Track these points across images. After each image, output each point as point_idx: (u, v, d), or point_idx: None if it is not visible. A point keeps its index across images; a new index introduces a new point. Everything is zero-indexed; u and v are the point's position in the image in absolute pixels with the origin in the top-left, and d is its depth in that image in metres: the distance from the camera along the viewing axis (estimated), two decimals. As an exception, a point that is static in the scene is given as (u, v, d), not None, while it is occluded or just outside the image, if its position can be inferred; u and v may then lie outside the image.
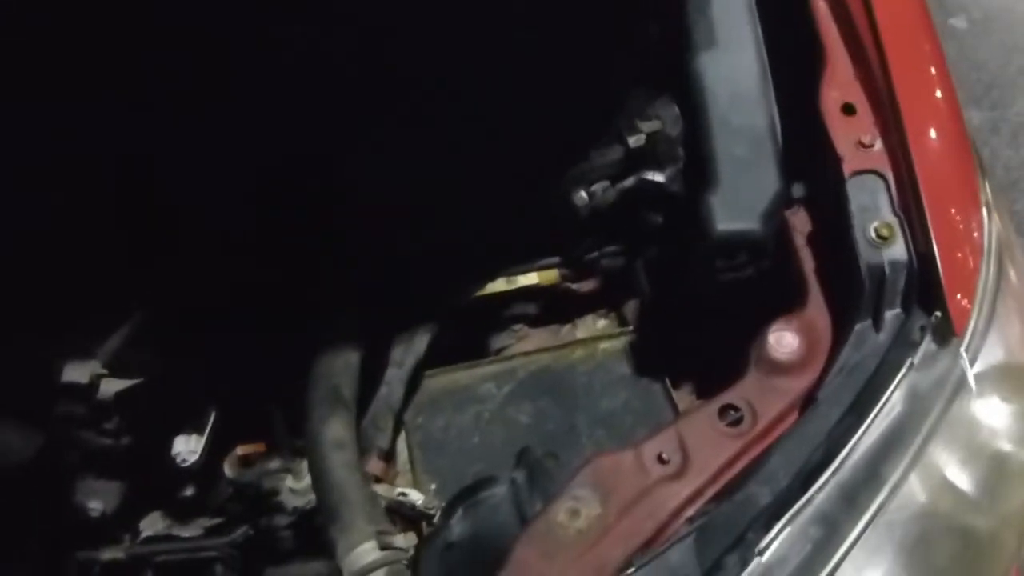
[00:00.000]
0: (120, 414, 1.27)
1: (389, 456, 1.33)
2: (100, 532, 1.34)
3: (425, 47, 1.06)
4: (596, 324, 1.47)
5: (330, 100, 1.13)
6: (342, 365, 1.25)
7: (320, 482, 1.13)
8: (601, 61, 1.16)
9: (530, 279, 1.36)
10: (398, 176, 1.20)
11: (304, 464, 1.41)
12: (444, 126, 1.15)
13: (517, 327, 1.47)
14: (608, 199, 1.20)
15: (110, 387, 1.20)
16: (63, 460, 1.31)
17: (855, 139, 0.97)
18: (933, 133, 0.98)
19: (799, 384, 0.93)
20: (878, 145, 0.96)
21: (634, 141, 1.17)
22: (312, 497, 1.38)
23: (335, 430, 1.16)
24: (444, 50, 1.06)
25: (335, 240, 1.29)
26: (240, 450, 1.38)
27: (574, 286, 1.43)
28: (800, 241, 1.03)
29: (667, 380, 1.38)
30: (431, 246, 1.26)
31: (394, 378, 1.31)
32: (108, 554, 1.36)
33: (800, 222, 1.05)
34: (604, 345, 1.47)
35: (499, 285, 1.37)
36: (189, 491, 1.39)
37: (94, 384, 1.18)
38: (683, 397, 1.36)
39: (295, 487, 1.42)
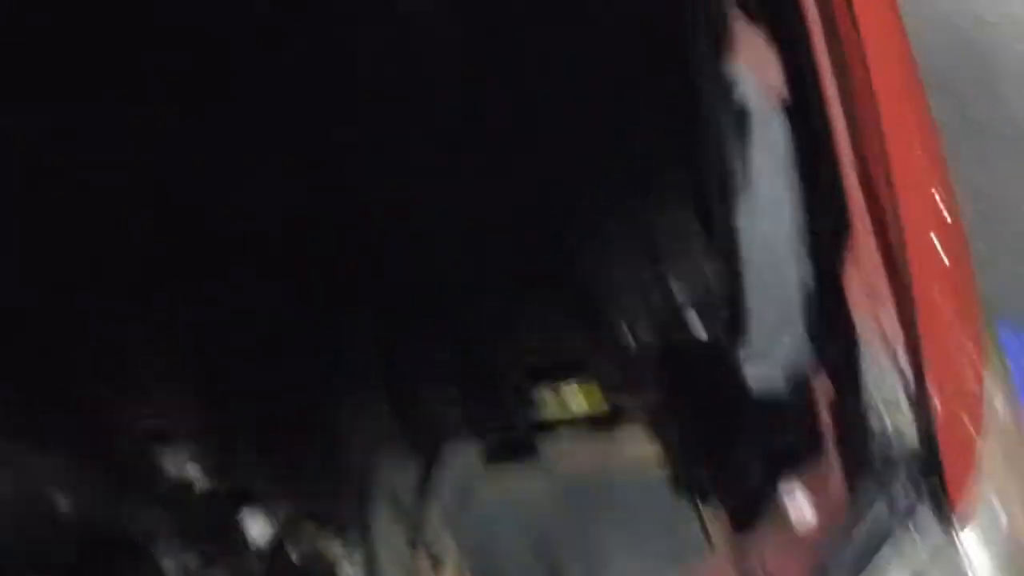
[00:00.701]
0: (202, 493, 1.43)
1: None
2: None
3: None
4: (640, 444, 1.55)
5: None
6: (393, 462, 1.38)
7: None
8: (652, 209, 1.27)
9: (578, 401, 1.46)
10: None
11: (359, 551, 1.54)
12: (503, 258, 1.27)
13: (557, 428, 1.56)
14: (647, 340, 1.29)
15: (193, 471, 1.36)
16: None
17: (876, 324, 1.04)
18: (938, 296, 1.04)
19: (812, 550, 1.00)
20: (896, 333, 1.03)
21: (675, 284, 1.27)
22: None
23: (386, 529, 1.28)
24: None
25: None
26: (308, 536, 1.52)
27: (618, 402, 1.52)
28: (821, 406, 1.11)
29: (700, 507, 1.45)
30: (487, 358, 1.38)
31: (444, 479, 1.42)
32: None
33: (822, 389, 1.12)
34: (648, 466, 1.54)
35: (551, 406, 1.48)
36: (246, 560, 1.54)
37: (180, 467, 1.34)
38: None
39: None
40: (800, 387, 1.13)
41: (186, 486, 1.38)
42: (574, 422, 1.53)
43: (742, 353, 1.16)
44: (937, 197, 1.17)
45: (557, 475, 1.53)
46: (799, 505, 1.01)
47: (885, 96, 1.10)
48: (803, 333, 1.16)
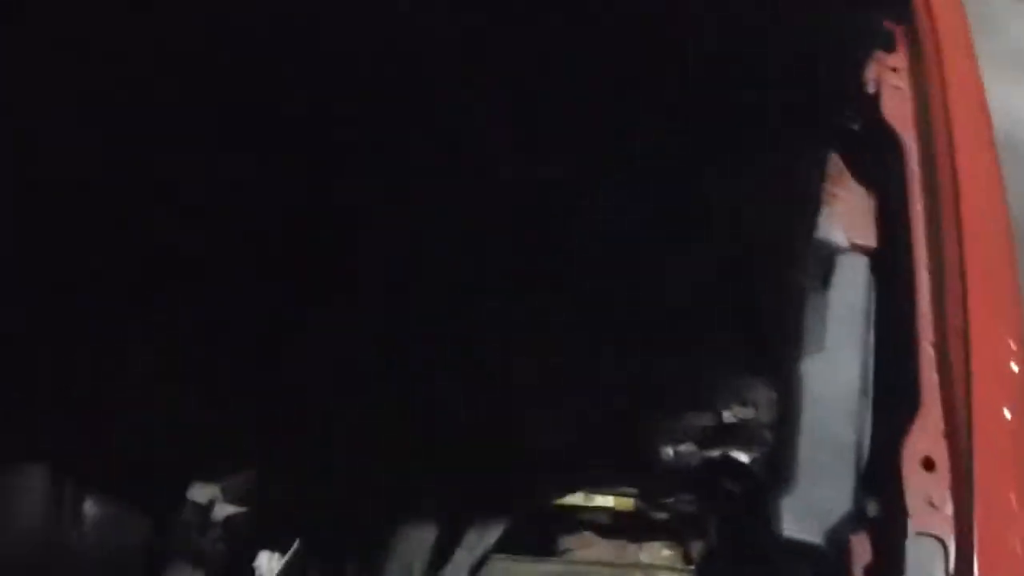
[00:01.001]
0: (223, 530, 1.45)
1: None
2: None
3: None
4: (661, 552, 1.53)
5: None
6: (418, 543, 1.38)
7: None
8: (713, 338, 1.27)
9: (607, 501, 1.45)
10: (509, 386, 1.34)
11: None
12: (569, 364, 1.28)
13: (585, 533, 1.55)
14: (692, 462, 1.28)
15: (222, 511, 1.37)
16: (160, 548, 1.49)
17: (927, 496, 1.02)
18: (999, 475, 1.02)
19: None
20: (947, 509, 1.01)
21: (728, 417, 1.26)
22: None
23: None
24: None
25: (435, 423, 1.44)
26: None
27: (647, 512, 1.51)
28: (856, 566, 1.08)
29: None
30: (526, 452, 1.38)
31: (463, 563, 1.42)
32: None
33: (861, 548, 1.10)
34: (664, 575, 1.52)
35: (577, 499, 1.47)
36: None
37: (211, 504, 1.36)
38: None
39: None
40: (836, 542, 1.11)
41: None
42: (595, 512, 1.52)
43: (780, 493, 1.14)
44: (1015, 368, 1.15)
45: (577, 573, 1.52)
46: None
47: (975, 270, 1.09)
48: (850, 489, 1.14)
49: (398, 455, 1.36)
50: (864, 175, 1.38)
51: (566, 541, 1.59)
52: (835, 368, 1.21)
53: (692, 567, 1.51)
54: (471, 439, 1.36)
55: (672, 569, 1.51)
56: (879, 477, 1.13)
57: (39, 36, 0.95)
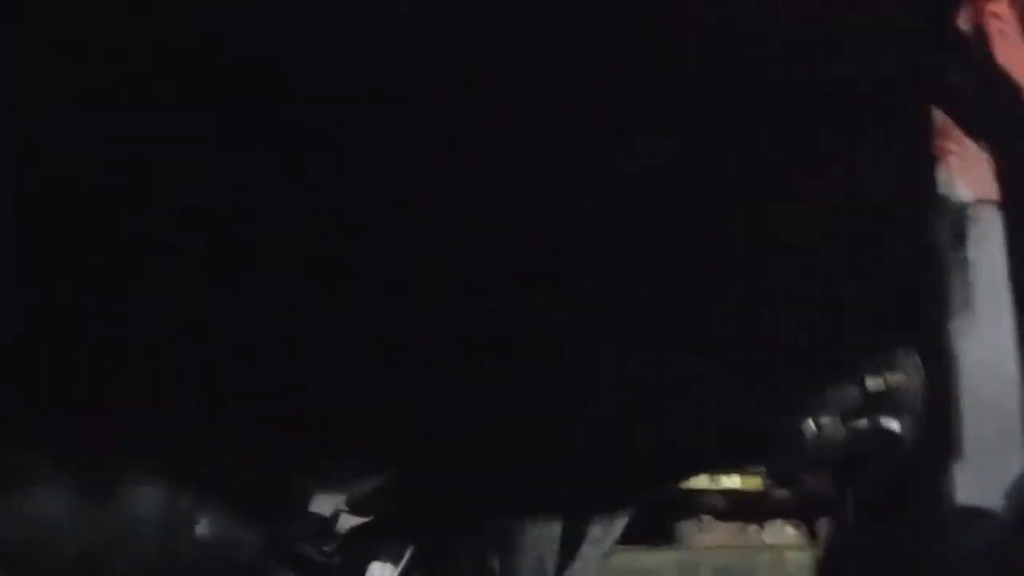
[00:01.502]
0: (343, 542, 1.38)
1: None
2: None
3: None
4: (784, 531, 1.49)
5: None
6: (548, 536, 1.32)
7: None
8: (855, 303, 1.21)
9: (733, 481, 1.40)
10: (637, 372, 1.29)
11: None
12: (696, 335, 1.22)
13: (704, 517, 1.50)
14: (837, 435, 1.23)
15: (345, 522, 1.31)
16: (276, 560, 1.43)
17: None
18: None
19: None
20: None
21: (873, 384, 1.21)
22: None
23: None
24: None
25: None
26: None
27: (772, 491, 1.46)
28: None
29: None
30: (655, 440, 1.32)
31: (590, 557, 1.36)
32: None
33: None
34: (791, 555, 1.48)
35: (702, 481, 1.42)
36: None
37: (335, 517, 1.29)
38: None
39: None
40: (1014, 507, 1.06)
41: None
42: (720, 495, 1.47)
43: (945, 461, 1.09)
44: None
45: (699, 560, 1.48)
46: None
47: None
48: (1020, 454, 1.09)
49: (519, 453, 1.30)
50: (975, 127, 1.33)
51: (684, 526, 1.54)
52: (985, 329, 1.16)
53: (819, 543, 1.47)
54: (595, 430, 1.31)
55: (800, 548, 1.47)
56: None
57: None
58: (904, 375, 1.26)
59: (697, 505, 1.50)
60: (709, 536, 1.49)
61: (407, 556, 1.47)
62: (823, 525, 1.49)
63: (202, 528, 1.33)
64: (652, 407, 1.33)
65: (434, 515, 1.38)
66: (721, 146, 1.27)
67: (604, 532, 1.42)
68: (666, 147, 1.04)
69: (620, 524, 1.42)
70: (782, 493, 1.46)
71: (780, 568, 1.44)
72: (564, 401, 1.37)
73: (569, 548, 1.39)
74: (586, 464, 1.34)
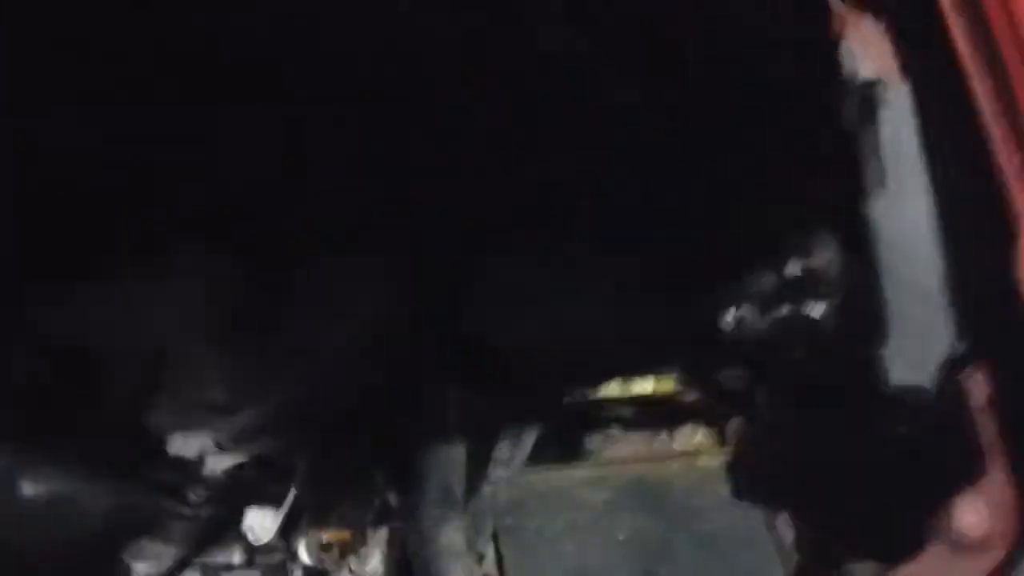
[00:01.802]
0: (213, 488, 1.20)
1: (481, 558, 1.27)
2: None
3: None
4: (694, 437, 1.43)
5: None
6: (452, 461, 1.19)
7: None
8: (767, 188, 1.13)
9: (645, 387, 1.32)
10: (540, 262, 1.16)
11: (372, 548, 1.35)
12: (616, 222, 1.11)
13: (611, 430, 1.42)
14: (756, 326, 1.16)
15: (217, 464, 1.12)
16: (126, 521, 1.23)
17: None
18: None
19: (984, 565, 0.89)
20: None
21: (791, 270, 1.14)
22: None
23: (451, 537, 1.10)
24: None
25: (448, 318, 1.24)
26: (327, 536, 1.30)
27: (681, 396, 1.39)
28: (977, 405, 1.00)
29: (769, 509, 1.34)
30: (558, 339, 1.21)
31: (500, 479, 1.24)
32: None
33: (976, 387, 1.02)
34: (703, 462, 1.42)
35: (612, 389, 1.32)
36: (247, 559, 1.32)
37: (201, 459, 1.11)
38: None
39: (357, 570, 1.36)
40: (945, 384, 1.02)
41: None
42: (628, 404, 1.38)
43: (877, 345, 1.04)
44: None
45: (610, 474, 1.39)
46: (968, 516, 0.89)
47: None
48: (948, 327, 1.05)
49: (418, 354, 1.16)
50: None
51: (591, 441, 1.45)
52: (902, 207, 1.10)
53: (729, 446, 1.42)
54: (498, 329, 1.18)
55: (710, 453, 1.41)
56: (982, 312, 1.04)
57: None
58: (821, 258, 1.19)
59: (606, 417, 1.41)
60: (619, 448, 1.41)
61: (290, 498, 1.30)
62: (733, 427, 1.44)
63: (29, 488, 1.10)
64: (568, 309, 1.20)
65: (327, 444, 1.21)
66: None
67: (512, 452, 1.31)
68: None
69: (528, 443, 1.31)
70: (692, 395, 1.40)
71: (692, 474, 1.38)
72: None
73: (477, 472, 1.27)
74: (496, 376, 1.21)
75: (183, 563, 1.27)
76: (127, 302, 1.04)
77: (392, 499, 1.35)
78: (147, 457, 1.08)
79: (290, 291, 1.16)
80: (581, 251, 1.18)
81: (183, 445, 1.07)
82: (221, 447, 1.09)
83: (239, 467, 1.23)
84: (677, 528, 1.34)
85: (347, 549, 1.31)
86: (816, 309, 1.15)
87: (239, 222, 1.12)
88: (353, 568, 1.34)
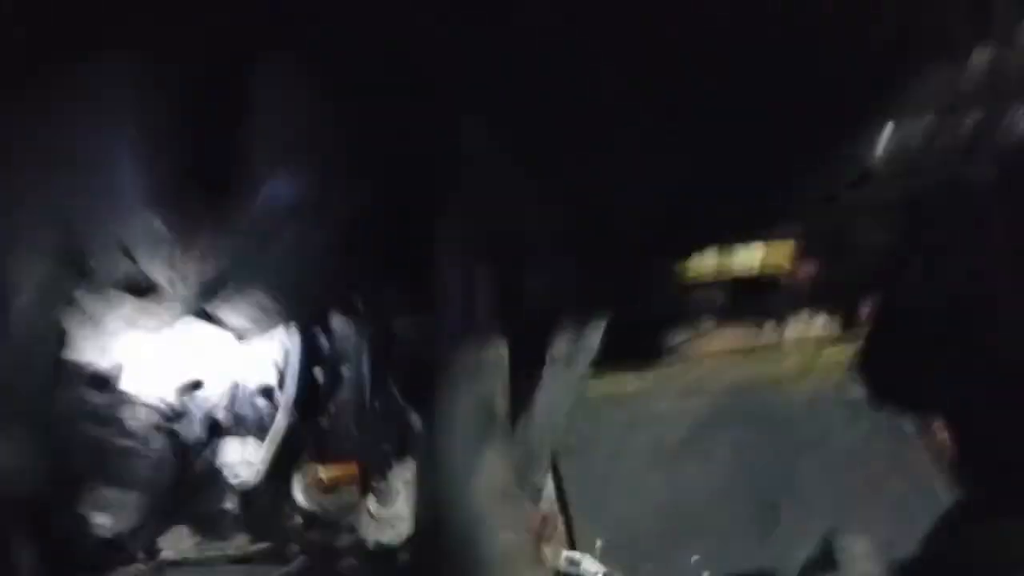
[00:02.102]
0: (150, 408, 0.88)
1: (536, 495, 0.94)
2: (108, 553, 0.97)
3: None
4: (812, 324, 1.08)
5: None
6: (492, 364, 0.85)
7: (473, 544, 0.73)
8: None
9: (750, 258, 0.95)
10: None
11: (393, 485, 1.03)
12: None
13: (702, 320, 1.07)
14: (917, 153, 0.78)
15: (165, 381, 0.80)
16: (68, 466, 0.92)
17: None
18: None
19: None
20: None
21: (979, 60, 0.76)
22: (402, 527, 1.01)
23: (495, 468, 0.76)
24: None
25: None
26: (323, 473, 0.98)
27: (793, 271, 1.03)
28: None
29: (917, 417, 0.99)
30: (627, 189, 0.84)
31: (558, 382, 0.90)
32: (117, 580, 0.99)
33: None
34: (827, 354, 1.07)
35: (706, 264, 0.96)
36: (230, 506, 1.01)
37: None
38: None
39: (380, 514, 1.04)
40: None
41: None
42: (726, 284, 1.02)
43: None
44: None
45: (702, 377, 1.05)
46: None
47: None
48: None
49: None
50: None
51: (675, 336, 1.11)
52: None
53: (862, 333, 1.07)
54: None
55: (835, 342, 1.05)
56: None
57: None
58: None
59: (698, 302, 1.06)
60: (715, 344, 1.07)
61: (279, 423, 0.99)
62: (867, 310, 1.08)
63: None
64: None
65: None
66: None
67: (574, 346, 0.97)
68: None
69: (594, 338, 0.97)
70: (810, 269, 1.04)
71: (814, 371, 1.03)
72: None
73: (526, 379, 0.93)
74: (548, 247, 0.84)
75: (159, 513, 0.97)
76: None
77: (414, 420, 1.04)
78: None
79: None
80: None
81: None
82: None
83: (195, 385, 0.92)
84: (798, 442, 1.00)
85: (358, 488, 1.00)
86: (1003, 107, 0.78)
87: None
88: (373, 512, 1.03)
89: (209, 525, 1.03)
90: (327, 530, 1.04)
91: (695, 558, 0.91)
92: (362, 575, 1.02)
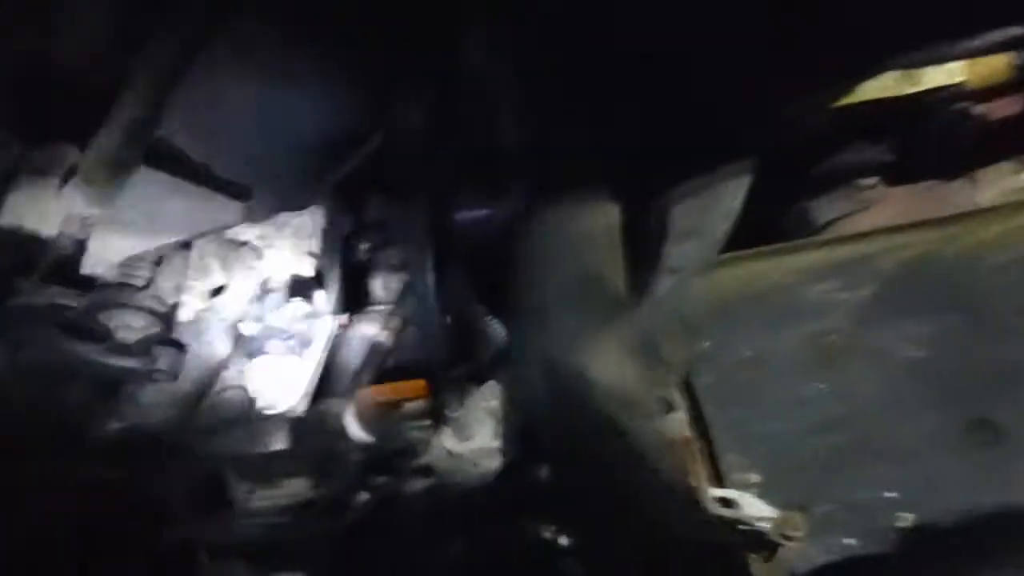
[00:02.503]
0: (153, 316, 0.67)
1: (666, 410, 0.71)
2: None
3: None
4: (1016, 178, 0.81)
5: None
6: (601, 226, 0.61)
7: (598, 476, 0.51)
8: None
9: (952, 72, 0.68)
10: None
11: (473, 414, 0.82)
12: None
13: (865, 181, 0.81)
14: None
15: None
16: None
17: None
18: None
19: None
20: None
21: None
22: (488, 464, 0.79)
23: (613, 370, 0.53)
24: None
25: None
26: (383, 394, 0.77)
27: (983, 108, 0.76)
28: None
29: None
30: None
31: (685, 257, 0.66)
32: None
33: None
34: None
35: (886, 84, 0.69)
36: (279, 444, 0.80)
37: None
38: None
39: (459, 450, 0.83)
40: None
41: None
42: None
43: None
44: None
45: (872, 254, 0.79)
46: None
47: None
48: None
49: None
50: None
51: (831, 205, 0.85)
52: None
53: None
54: None
55: None
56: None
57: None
58: None
59: (844, 161, 0.80)
60: (877, 213, 0.81)
61: (326, 341, 0.79)
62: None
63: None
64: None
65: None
66: None
67: (707, 209, 0.71)
68: None
69: (739, 192, 0.71)
70: (1003, 108, 0.76)
71: (1019, 241, 0.77)
72: None
73: (645, 256, 0.69)
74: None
75: (164, 451, 0.78)
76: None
77: (495, 330, 0.81)
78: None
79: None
80: None
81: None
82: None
83: (217, 290, 0.70)
84: (1011, 329, 0.74)
85: (429, 415, 0.78)
86: None
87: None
88: (450, 449, 0.81)
89: (253, 469, 0.83)
90: (395, 472, 0.84)
91: (889, 495, 0.67)
92: (445, 523, 0.82)
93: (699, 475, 0.64)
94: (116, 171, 0.61)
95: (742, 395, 0.73)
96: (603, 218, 0.62)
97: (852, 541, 0.67)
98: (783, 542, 0.57)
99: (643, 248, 0.63)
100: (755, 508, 0.59)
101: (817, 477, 0.69)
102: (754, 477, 0.69)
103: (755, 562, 0.61)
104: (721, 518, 0.58)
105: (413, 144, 0.79)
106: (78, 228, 0.62)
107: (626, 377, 0.55)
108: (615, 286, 0.59)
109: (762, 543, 0.58)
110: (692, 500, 0.60)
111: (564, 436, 0.55)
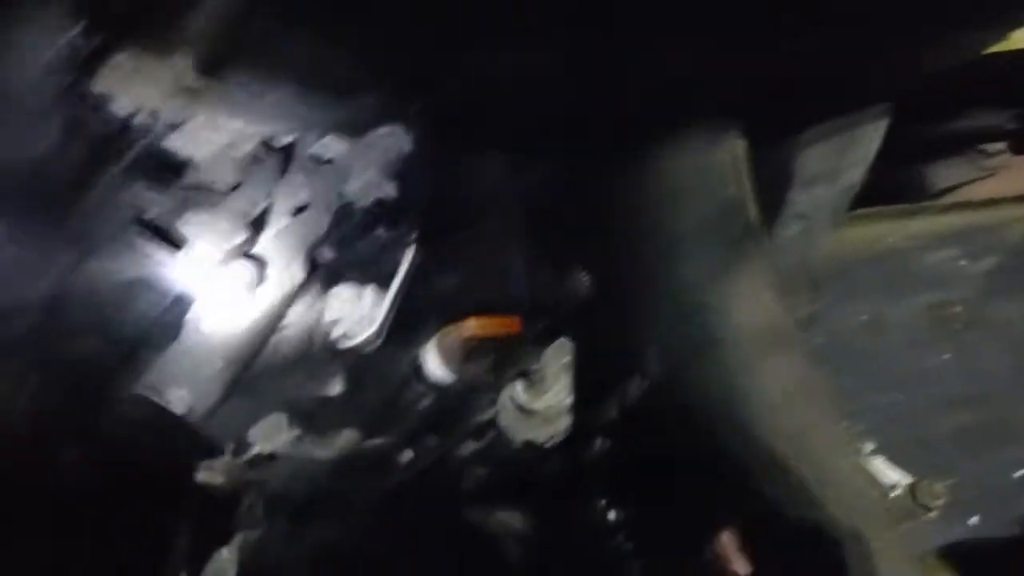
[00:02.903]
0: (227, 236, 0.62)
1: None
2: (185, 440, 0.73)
3: None
4: None
5: None
6: (729, 159, 0.56)
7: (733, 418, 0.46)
8: None
9: None
10: None
11: (550, 368, 0.77)
12: None
13: (990, 147, 0.76)
14: None
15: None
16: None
17: None
18: None
19: None
20: None
21: None
22: (560, 423, 0.74)
23: (758, 296, 0.48)
24: None
25: None
26: (467, 327, 0.71)
27: None
28: None
29: None
30: None
31: (814, 205, 0.60)
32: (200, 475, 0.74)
33: None
34: None
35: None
36: (339, 386, 0.74)
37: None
38: None
39: (531, 406, 0.77)
40: None
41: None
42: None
43: None
44: None
45: (998, 223, 0.73)
46: None
47: None
48: None
49: None
50: None
51: (951, 171, 0.80)
52: None
53: None
54: None
55: None
56: None
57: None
58: None
59: (964, 127, 0.75)
60: (1001, 182, 0.76)
61: (406, 265, 0.73)
62: None
63: None
64: None
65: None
66: None
67: (842, 151, 0.66)
68: None
69: (876, 135, 0.65)
70: None
71: None
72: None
73: (771, 197, 0.64)
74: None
75: (250, 393, 0.72)
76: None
77: (580, 282, 0.76)
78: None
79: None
80: None
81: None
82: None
83: (300, 208, 0.65)
84: None
85: (508, 361, 0.73)
86: None
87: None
88: (522, 403, 0.76)
89: (305, 415, 0.78)
90: (460, 421, 0.78)
91: (1018, 475, 0.62)
92: (506, 484, 0.76)
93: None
94: (233, 32, 0.56)
95: (857, 361, 0.68)
96: (730, 152, 0.57)
97: (977, 521, 0.62)
98: (920, 511, 0.52)
99: (764, 194, 0.58)
100: (886, 472, 0.53)
101: (941, 454, 0.63)
102: (869, 446, 0.63)
103: (876, 539, 0.56)
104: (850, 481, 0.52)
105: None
106: (184, 101, 0.57)
107: (766, 310, 0.50)
108: (753, 214, 0.54)
109: (896, 511, 0.52)
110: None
111: (693, 377, 0.49)
